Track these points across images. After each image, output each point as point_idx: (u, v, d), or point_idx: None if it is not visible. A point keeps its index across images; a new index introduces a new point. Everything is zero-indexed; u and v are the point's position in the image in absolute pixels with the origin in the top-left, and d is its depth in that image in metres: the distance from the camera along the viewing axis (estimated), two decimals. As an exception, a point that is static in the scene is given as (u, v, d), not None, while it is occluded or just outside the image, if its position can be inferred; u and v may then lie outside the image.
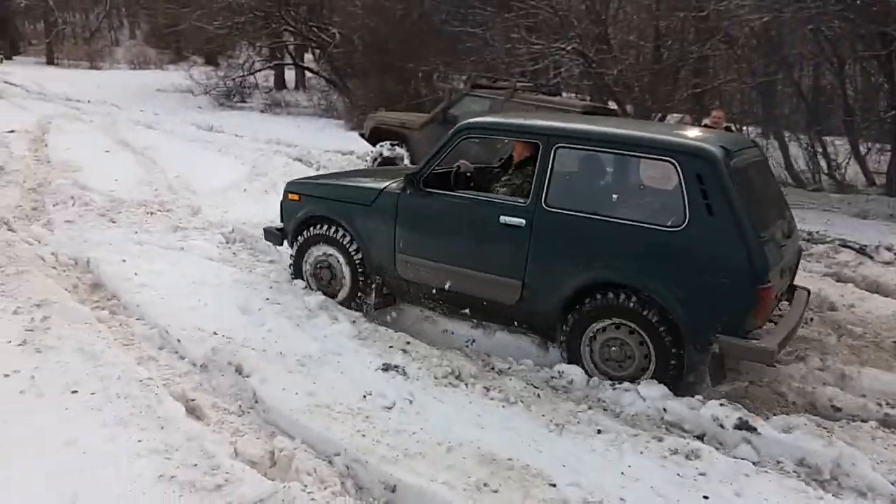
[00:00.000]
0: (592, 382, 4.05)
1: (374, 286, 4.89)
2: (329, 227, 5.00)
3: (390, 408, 3.50)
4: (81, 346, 3.86)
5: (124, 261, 5.49)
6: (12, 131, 12.39)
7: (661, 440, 3.34)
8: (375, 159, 10.42)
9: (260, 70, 22.79)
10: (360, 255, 4.88)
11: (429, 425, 3.35)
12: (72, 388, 3.38)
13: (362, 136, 11.24)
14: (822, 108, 13.77)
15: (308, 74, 23.50)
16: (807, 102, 13.65)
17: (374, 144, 10.66)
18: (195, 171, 9.62)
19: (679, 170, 3.80)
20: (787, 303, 4.59)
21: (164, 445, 3.00)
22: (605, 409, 3.81)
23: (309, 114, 19.79)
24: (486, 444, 3.21)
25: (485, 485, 2.87)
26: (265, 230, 5.63)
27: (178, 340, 4.21)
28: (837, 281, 6.60)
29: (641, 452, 3.22)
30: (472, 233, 4.42)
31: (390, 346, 4.23)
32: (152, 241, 6.12)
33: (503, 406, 3.62)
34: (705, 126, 8.77)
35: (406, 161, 10.19)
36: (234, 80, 21.44)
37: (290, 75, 25.46)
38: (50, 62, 35.04)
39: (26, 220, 6.92)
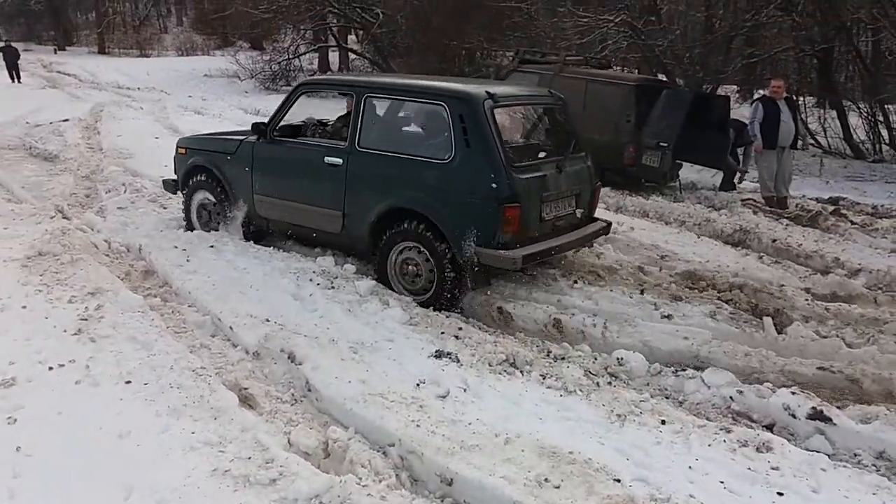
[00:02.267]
0: (653, 369, 3.90)
1: (241, 225, 5.75)
2: (206, 175, 5.88)
3: (444, 397, 3.40)
4: (135, 334, 3.87)
5: (175, 247, 5.50)
6: (66, 120, 12.67)
7: (729, 431, 3.17)
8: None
9: (304, 53, 22.85)
10: (228, 198, 5.77)
11: (485, 415, 3.23)
12: (126, 379, 3.38)
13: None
14: (883, 74, 13.12)
15: (352, 56, 23.45)
16: (867, 68, 13.01)
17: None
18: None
19: (448, 111, 4.59)
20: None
21: (218, 437, 2.96)
22: (667, 398, 3.67)
23: (353, 95, 19.74)
24: (546, 435, 3.08)
25: (546, 480, 2.75)
26: (163, 181, 6.56)
27: (231, 328, 4.19)
28: (908, 257, 6.26)
29: (709, 445, 3.06)
30: (306, 172, 5.26)
31: (442, 333, 4.13)
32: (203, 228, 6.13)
33: (561, 395, 3.48)
34: (763, 97, 8.42)
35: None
36: (279, 63, 21.56)
37: (333, 57, 25.44)
38: (101, 51, 35.83)
39: (80, 207, 7.04)
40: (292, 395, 3.59)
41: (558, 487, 2.71)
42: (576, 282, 5.14)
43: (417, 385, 3.49)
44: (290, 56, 21.93)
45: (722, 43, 13.84)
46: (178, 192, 6.26)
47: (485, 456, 2.93)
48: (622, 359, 3.94)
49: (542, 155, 4.98)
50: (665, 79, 13.36)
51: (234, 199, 5.74)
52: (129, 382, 3.37)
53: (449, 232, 4.55)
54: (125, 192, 7.39)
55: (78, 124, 12.46)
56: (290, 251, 5.53)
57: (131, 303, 4.31)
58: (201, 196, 5.99)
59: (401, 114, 5.40)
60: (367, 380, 3.53)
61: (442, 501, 2.82)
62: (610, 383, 3.70)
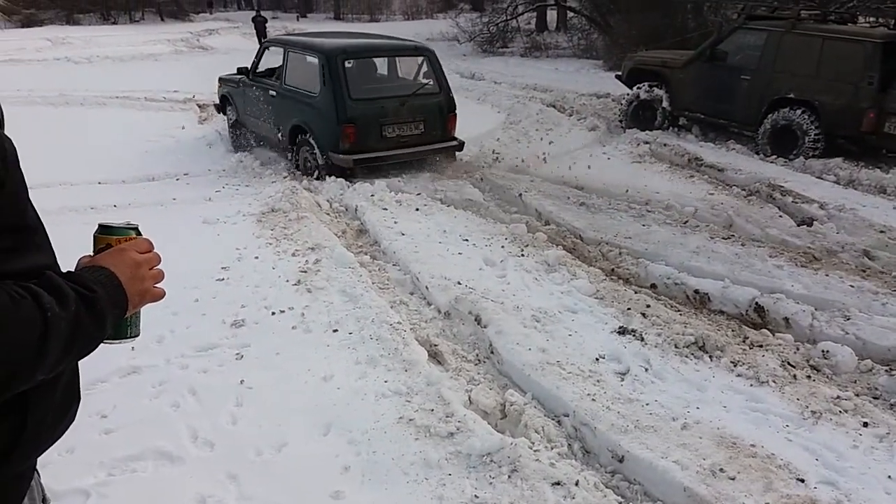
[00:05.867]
0: (863, 366, 3.55)
1: (238, 133, 8.72)
2: (230, 101, 8.80)
3: (624, 374, 3.39)
4: (345, 287, 4.28)
5: (385, 209, 5.93)
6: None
7: (946, 445, 2.83)
8: (631, 102, 9.94)
9: (522, 14, 22.82)
10: (236, 115, 8.70)
11: (664, 397, 3.18)
12: (333, 327, 3.78)
13: (619, 77, 10.78)
14: None
15: (569, 14, 23.00)
16: None
17: (631, 87, 10.17)
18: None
19: (318, 61, 6.95)
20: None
21: (407, 388, 3.23)
22: (875, 398, 3.33)
23: (568, 55, 19.45)
24: (728, 425, 2.97)
25: (721, 470, 2.67)
26: (214, 104, 9.64)
27: (427, 287, 4.48)
28: None
29: (918, 457, 2.76)
30: (263, 101, 7.89)
31: (628, 308, 4.07)
32: (412, 192, 6.54)
33: (751, 385, 3.31)
34: None
35: (665, 104, 9.59)
36: (497, 25, 21.73)
37: (551, 16, 25.16)
38: (337, 17, 38.54)
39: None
40: (476, 355, 3.78)
41: (733, 479, 2.62)
42: (787, 263, 4.78)
43: (597, 359, 3.51)
44: (509, 17, 22.02)
45: None
46: (221, 113, 9.29)
47: (659, 438, 2.90)
48: (828, 351, 3.63)
49: (388, 92, 7.25)
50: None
51: (240, 117, 8.58)
52: (336, 331, 3.76)
53: (317, 141, 6.98)
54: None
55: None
56: (485, 217, 5.71)
57: (344, 259, 4.75)
58: (230, 114, 8.86)
59: (303, 62, 7.50)
60: (547, 349, 3.61)
61: (612, 477, 2.84)
62: (809, 377, 3.44)
